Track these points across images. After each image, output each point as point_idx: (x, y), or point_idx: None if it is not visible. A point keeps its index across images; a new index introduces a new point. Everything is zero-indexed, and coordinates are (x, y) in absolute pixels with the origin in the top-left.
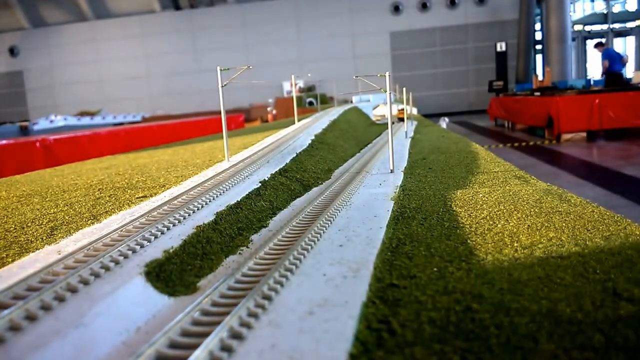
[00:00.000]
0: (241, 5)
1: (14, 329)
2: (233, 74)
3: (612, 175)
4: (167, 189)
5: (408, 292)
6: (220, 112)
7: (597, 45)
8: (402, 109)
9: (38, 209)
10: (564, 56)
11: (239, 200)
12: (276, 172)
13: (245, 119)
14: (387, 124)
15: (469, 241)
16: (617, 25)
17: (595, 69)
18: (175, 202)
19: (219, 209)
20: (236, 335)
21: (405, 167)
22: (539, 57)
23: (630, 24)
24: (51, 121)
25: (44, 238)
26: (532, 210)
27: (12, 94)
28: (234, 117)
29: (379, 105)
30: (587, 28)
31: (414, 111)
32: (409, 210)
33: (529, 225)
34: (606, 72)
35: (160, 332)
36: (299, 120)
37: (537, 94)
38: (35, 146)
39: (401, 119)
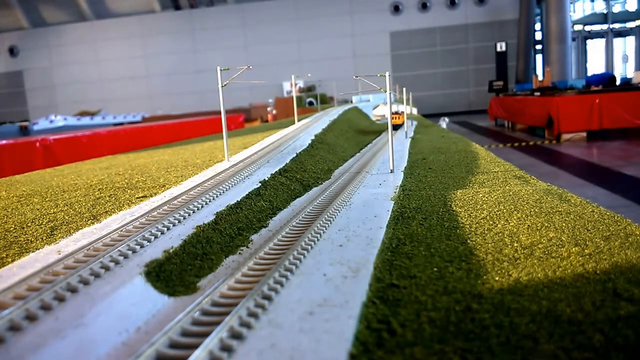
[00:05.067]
0: (241, 5)
1: (14, 329)
2: (233, 74)
3: (612, 175)
4: (167, 189)
5: (408, 292)
6: (220, 112)
7: None
8: (400, 113)
9: (38, 209)
10: (564, 56)
11: (239, 200)
12: (276, 172)
13: (245, 119)
14: (386, 123)
15: (469, 241)
16: (617, 25)
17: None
18: (175, 202)
19: (219, 209)
20: (236, 335)
21: (405, 167)
22: (539, 57)
23: (630, 24)
24: (51, 121)
25: (44, 238)
26: (532, 210)
27: (12, 94)
28: (234, 117)
29: (379, 105)
30: (587, 28)
31: (414, 111)
32: (409, 210)
33: (529, 225)
34: None
35: (160, 332)
36: (299, 120)
37: (537, 94)
38: (35, 146)
39: (397, 126)
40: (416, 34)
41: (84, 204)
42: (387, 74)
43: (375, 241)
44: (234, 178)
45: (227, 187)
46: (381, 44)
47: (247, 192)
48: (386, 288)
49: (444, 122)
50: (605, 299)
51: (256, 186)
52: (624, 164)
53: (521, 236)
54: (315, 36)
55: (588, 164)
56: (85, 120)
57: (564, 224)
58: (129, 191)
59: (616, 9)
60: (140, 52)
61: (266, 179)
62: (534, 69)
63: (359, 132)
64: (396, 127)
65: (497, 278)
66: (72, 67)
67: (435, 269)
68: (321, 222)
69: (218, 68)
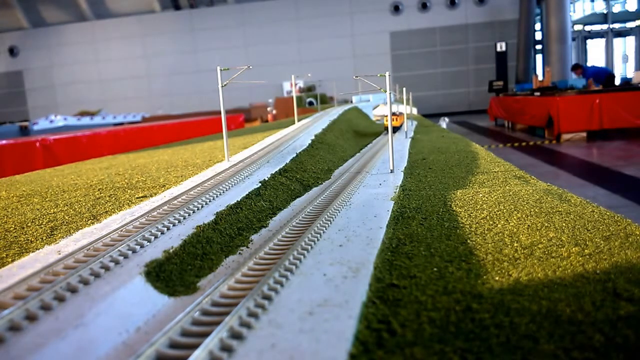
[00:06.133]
0: (241, 5)
1: (14, 329)
2: (233, 74)
3: (612, 175)
4: (167, 189)
5: (408, 292)
6: (220, 112)
7: (573, 69)
8: (399, 114)
9: (38, 209)
10: (564, 56)
11: (239, 200)
12: (276, 172)
13: (245, 119)
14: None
15: (469, 241)
16: (617, 25)
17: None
18: (175, 202)
19: (219, 209)
20: (236, 335)
21: (405, 167)
22: (539, 57)
23: (630, 24)
24: (51, 121)
25: (44, 238)
26: (532, 210)
27: (12, 94)
28: (234, 117)
29: (379, 105)
30: (587, 28)
31: (414, 111)
32: (409, 210)
33: (529, 225)
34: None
35: (160, 332)
36: (299, 120)
37: (537, 94)
38: (35, 146)
39: (396, 128)
40: (416, 34)
41: (84, 204)
42: (387, 74)
43: (375, 241)
44: (234, 178)
45: (227, 187)
46: (381, 44)
47: (247, 192)
48: (386, 288)
49: (444, 122)
50: (605, 299)
51: (256, 186)
52: (624, 164)
53: (521, 236)
54: (315, 36)
55: (588, 164)
56: (85, 120)
57: (564, 224)
58: (129, 191)
59: (616, 9)
60: (140, 52)
61: (266, 179)
62: (534, 69)
63: (359, 132)
64: (394, 130)
65: (497, 278)
66: (72, 67)
67: (435, 269)
68: (321, 222)
69: (218, 68)
